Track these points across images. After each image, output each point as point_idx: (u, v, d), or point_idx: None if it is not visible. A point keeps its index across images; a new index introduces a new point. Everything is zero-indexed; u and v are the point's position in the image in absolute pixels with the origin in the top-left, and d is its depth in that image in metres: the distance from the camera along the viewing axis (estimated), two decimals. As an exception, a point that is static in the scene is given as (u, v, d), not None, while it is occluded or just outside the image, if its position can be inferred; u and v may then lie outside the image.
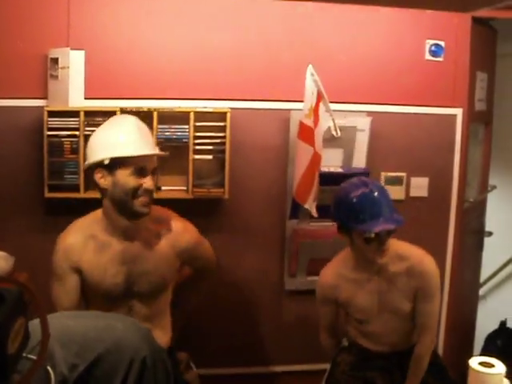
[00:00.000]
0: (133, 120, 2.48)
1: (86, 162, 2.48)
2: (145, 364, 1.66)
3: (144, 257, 2.53)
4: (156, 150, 2.50)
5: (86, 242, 2.50)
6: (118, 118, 2.54)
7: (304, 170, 3.11)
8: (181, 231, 2.63)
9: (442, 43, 3.61)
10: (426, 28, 3.60)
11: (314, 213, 3.09)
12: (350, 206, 2.55)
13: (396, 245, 2.69)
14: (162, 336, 2.60)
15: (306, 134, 3.10)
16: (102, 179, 2.41)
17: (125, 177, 2.38)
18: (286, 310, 3.63)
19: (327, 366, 3.02)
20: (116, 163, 2.37)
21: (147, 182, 2.40)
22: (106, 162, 2.36)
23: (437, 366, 2.87)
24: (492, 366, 2.23)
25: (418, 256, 2.74)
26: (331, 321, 2.93)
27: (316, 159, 3.08)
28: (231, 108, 3.33)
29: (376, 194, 2.55)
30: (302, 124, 3.14)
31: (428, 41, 3.60)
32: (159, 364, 1.76)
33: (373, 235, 2.53)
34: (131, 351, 1.67)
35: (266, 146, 3.46)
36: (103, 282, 2.49)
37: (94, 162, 2.40)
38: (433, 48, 3.60)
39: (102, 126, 2.51)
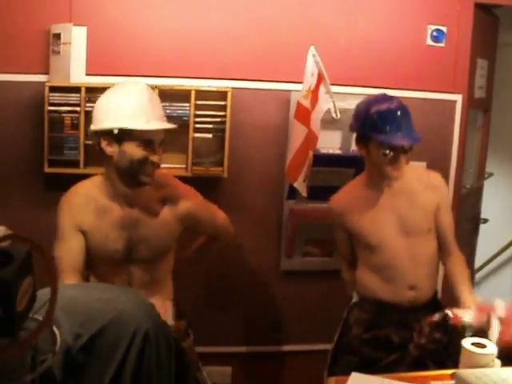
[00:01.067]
0: (144, 88, 2.44)
1: (93, 127, 2.43)
2: (147, 337, 1.66)
3: (144, 222, 2.52)
4: (165, 122, 2.48)
5: (88, 204, 2.50)
6: (130, 85, 2.48)
7: (296, 149, 3.11)
8: (182, 196, 2.61)
9: (444, 29, 3.62)
10: (427, 13, 3.60)
11: (304, 192, 3.10)
12: (372, 116, 2.61)
13: (411, 167, 2.83)
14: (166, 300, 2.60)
15: (303, 114, 3.11)
16: (109, 147, 2.39)
17: (132, 148, 2.36)
18: (281, 290, 3.65)
19: (325, 347, 3.03)
20: (124, 134, 2.34)
21: (153, 155, 2.38)
22: (115, 131, 2.33)
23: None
24: (484, 346, 2.26)
25: (432, 171, 2.92)
26: (348, 247, 2.91)
27: (311, 140, 3.09)
28: (232, 88, 3.34)
29: (399, 111, 2.62)
30: (299, 104, 3.15)
31: (430, 26, 3.60)
32: (162, 338, 1.77)
33: (388, 151, 2.58)
34: (134, 324, 1.68)
35: (266, 126, 3.48)
36: (104, 247, 2.50)
37: (102, 129, 2.37)
38: (434, 33, 3.61)
39: (111, 89, 2.47)
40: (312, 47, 3.10)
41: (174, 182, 2.66)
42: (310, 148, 3.19)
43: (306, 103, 3.10)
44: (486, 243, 4.58)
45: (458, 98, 3.68)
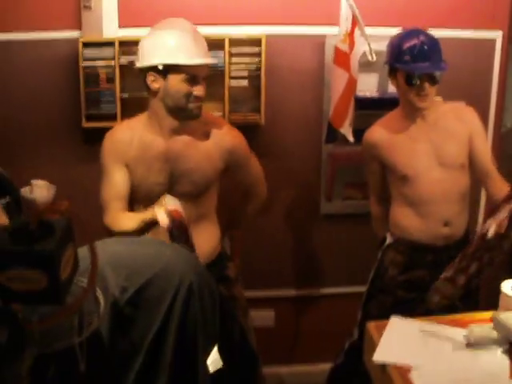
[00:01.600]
0: (187, 24, 2.54)
1: (139, 64, 2.53)
2: (191, 288, 1.69)
3: (187, 155, 2.61)
4: (209, 57, 2.56)
5: (131, 139, 2.61)
6: (173, 22, 2.56)
7: (340, 94, 3.09)
8: (226, 131, 2.71)
9: (483, -38, 3.49)
10: None
11: (351, 137, 3.09)
12: (401, 49, 2.76)
13: (444, 102, 2.96)
14: (207, 242, 2.70)
15: (342, 59, 3.07)
16: (154, 82, 2.48)
17: (177, 83, 2.46)
18: (322, 234, 3.67)
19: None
20: (169, 69, 2.44)
21: (198, 90, 2.48)
22: (160, 67, 2.43)
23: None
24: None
25: (464, 105, 3.03)
26: (379, 182, 3.02)
27: (352, 84, 3.06)
28: (266, 34, 3.30)
29: (426, 45, 2.73)
30: (337, 49, 3.11)
31: (468, -41, 3.48)
32: (205, 289, 1.80)
33: (413, 80, 2.71)
34: (178, 276, 1.70)
35: (302, 71, 3.43)
36: (147, 180, 2.59)
37: (147, 65, 2.47)
38: (472, -33, 3.49)
39: (155, 26, 2.56)
40: (347, -7, 3.04)
41: (222, 121, 2.78)
42: (352, 92, 3.16)
43: (345, 47, 3.06)
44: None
45: (497, 34, 3.56)
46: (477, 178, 2.97)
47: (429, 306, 2.66)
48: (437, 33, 3.43)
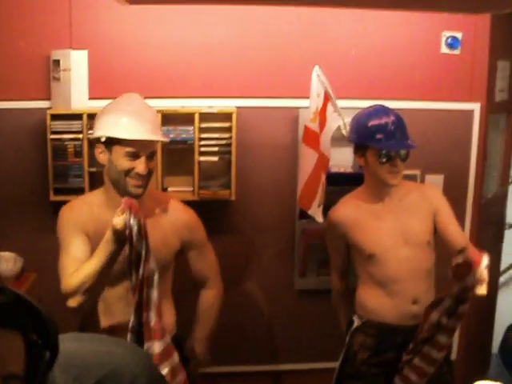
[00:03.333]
0: (138, 101, 2.50)
1: (90, 136, 2.58)
2: None
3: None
4: (155, 135, 2.47)
5: (91, 214, 2.52)
6: (125, 97, 2.53)
7: (308, 175, 3.04)
8: (182, 210, 2.66)
9: (459, 35, 3.47)
10: (441, 19, 3.45)
11: (320, 218, 3.03)
12: (368, 129, 2.70)
13: (408, 182, 2.90)
14: (166, 319, 2.56)
15: (311, 138, 3.03)
16: (101, 154, 2.46)
17: (119, 157, 2.41)
18: (296, 309, 3.59)
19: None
20: (112, 142, 2.41)
21: (139, 166, 2.40)
22: (103, 139, 2.41)
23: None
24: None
25: (427, 183, 3.13)
26: (342, 259, 2.95)
27: (321, 163, 3.01)
28: (237, 107, 3.27)
29: (395, 124, 2.69)
30: (306, 128, 3.07)
31: (444, 33, 3.46)
32: None
33: (385, 158, 2.66)
34: (129, 378, 1.67)
35: (275, 145, 3.39)
36: None
37: (94, 137, 2.47)
38: (449, 40, 3.46)
39: (111, 102, 2.54)
40: (316, 67, 3.00)
41: (176, 199, 2.71)
42: (323, 171, 3.11)
43: (314, 126, 3.02)
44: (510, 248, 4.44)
45: (475, 106, 3.54)
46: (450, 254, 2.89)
47: None
48: (414, 104, 3.45)
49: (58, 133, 3.14)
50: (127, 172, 2.40)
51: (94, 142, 2.50)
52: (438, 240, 2.86)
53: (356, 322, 2.91)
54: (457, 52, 3.49)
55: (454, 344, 3.82)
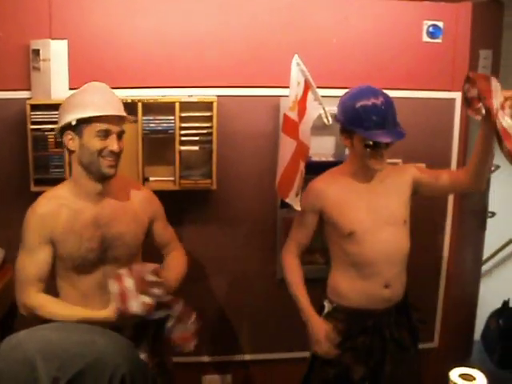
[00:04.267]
0: (100, 84, 2.56)
1: (56, 126, 2.54)
2: (124, 381, 1.67)
3: (117, 218, 2.58)
4: (122, 112, 2.53)
5: (59, 211, 2.52)
6: (86, 85, 2.58)
7: (286, 163, 3.03)
8: (140, 187, 2.79)
9: (441, 24, 3.47)
10: (423, 8, 3.45)
11: (297, 207, 3.02)
12: (356, 112, 2.64)
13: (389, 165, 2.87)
14: None
15: (290, 127, 3.02)
16: (71, 141, 2.48)
17: (90, 138, 2.44)
18: (278, 298, 3.56)
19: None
20: (82, 125, 2.44)
21: (112, 144, 2.46)
22: (73, 122, 2.43)
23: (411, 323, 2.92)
24: (473, 378, 2.20)
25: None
26: (307, 234, 2.91)
27: (300, 152, 3.00)
28: (218, 96, 3.26)
29: (384, 106, 2.63)
30: (285, 117, 3.05)
31: (425, 22, 3.45)
32: (139, 380, 1.79)
33: (371, 146, 2.64)
34: (112, 367, 1.71)
35: (256, 134, 3.39)
36: (79, 249, 2.51)
37: (63, 124, 2.47)
38: (430, 29, 3.46)
39: (73, 92, 2.57)
40: (296, 56, 2.99)
41: (139, 182, 2.88)
42: (302, 159, 3.11)
43: (293, 115, 3.01)
44: (494, 236, 4.46)
45: (456, 95, 3.54)
46: (451, 188, 3.00)
47: None
48: (396, 93, 3.44)
49: (38, 123, 3.13)
50: (100, 152, 2.45)
51: (62, 133, 2.51)
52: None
53: (327, 307, 2.92)
54: (438, 41, 3.49)
55: (437, 331, 3.85)
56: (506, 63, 4.18)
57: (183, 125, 3.19)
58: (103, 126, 2.44)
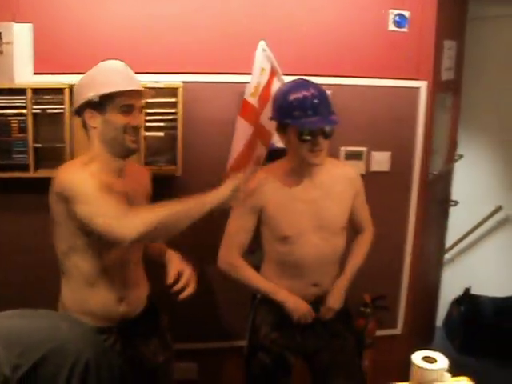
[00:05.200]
0: (117, 62, 2.53)
1: (75, 105, 2.49)
2: (88, 366, 1.65)
3: (139, 193, 2.61)
4: (141, 88, 2.53)
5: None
6: (102, 63, 2.54)
7: (241, 149, 3.04)
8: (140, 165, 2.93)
9: (407, 13, 3.48)
10: (389, -3, 3.48)
11: None
12: (288, 104, 2.60)
13: (329, 159, 2.79)
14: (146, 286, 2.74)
15: (249, 112, 3.03)
16: (92, 118, 2.45)
17: (114, 114, 2.42)
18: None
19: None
20: (105, 101, 2.41)
21: (135, 119, 2.46)
22: (96, 99, 2.40)
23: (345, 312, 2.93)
24: (434, 360, 2.24)
25: (347, 164, 3.08)
26: (247, 238, 2.83)
27: (263, 136, 3.04)
28: (184, 82, 3.24)
29: (315, 97, 2.60)
30: (245, 102, 3.06)
31: (391, 11, 3.47)
32: (103, 366, 1.78)
33: (306, 136, 2.58)
34: (75, 353, 1.69)
35: (222, 121, 3.35)
36: None
37: (84, 101, 2.43)
38: (396, 18, 3.48)
39: (88, 71, 2.52)
40: (262, 42, 3.00)
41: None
42: (264, 145, 3.13)
43: (253, 101, 3.02)
44: (457, 224, 4.54)
45: (421, 84, 3.58)
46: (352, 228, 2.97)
47: None
48: (363, 81, 3.48)
49: (0, 108, 3.07)
50: (124, 127, 2.43)
51: (80, 110, 2.47)
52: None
53: (259, 295, 2.91)
54: (404, 30, 3.51)
55: (400, 318, 3.90)
56: (470, 55, 4.26)
57: (148, 111, 3.15)
58: (127, 101, 2.43)
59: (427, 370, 2.22)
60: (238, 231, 2.83)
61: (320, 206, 2.74)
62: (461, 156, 4.42)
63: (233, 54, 3.33)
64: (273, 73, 3.06)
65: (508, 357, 4.21)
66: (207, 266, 3.33)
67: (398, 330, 3.92)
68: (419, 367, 2.23)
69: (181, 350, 3.39)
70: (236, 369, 3.63)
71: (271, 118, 2.76)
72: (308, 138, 2.59)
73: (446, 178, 4.30)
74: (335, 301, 2.84)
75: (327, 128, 2.61)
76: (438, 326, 4.73)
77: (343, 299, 2.87)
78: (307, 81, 2.71)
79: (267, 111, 3.00)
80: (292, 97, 2.60)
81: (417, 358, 2.26)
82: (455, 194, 4.44)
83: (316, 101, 2.58)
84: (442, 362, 2.24)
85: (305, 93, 2.59)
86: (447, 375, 2.23)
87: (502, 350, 4.27)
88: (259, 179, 2.71)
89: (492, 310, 4.45)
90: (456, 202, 4.38)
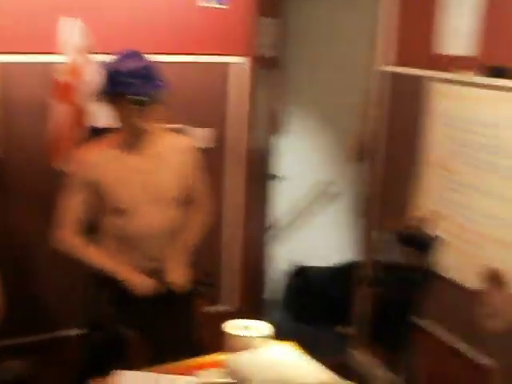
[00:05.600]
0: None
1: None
2: None
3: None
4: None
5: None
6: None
7: (59, 128, 2.96)
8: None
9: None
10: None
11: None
12: (115, 75, 2.63)
13: (166, 132, 2.85)
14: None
15: (62, 91, 2.95)
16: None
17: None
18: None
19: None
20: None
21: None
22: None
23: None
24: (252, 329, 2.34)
25: (184, 136, 3.11)
26: (82, 214, 2.76)
27: (78, 116, 2.95)
28: (2, 63, 3.13)
29: (142, 66, 2.66)
30: (55, 82, 2.97)
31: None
32: None
33: (138, 102, 2.60)
34: None
35: (40, 102, 3.22)
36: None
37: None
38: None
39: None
40: (65, 20, 2.91)
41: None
42: (83, 123, 3.05)
43: (68, 79, 2.94)
44: (284, 199, 4.63)
45: (239, 60, 3.67)
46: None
47: None
48: (177, 58, 3.47)
49: None
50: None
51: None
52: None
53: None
54: (224, 6, 3.56)
55: (236, 296, 3.97)
56: (292, 32, 4.36)
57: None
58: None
59: (238, 336, 2.28)
60: (72, 209, 2.75)
61: (156, 177, 2.74)
62: (287, 132, 4.51)
63: (36, 33, 3.21)
64: (82, 51, 2.99)
65: (335, 320, 4.42)
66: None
67: (229, 306, 4.01)
68: (232, 335, 2.28)
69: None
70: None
71: (101, 94, 2.71)
72: (138, 101, 2.60)
73: (268, 152, 4.36)
74: (176, 276, 2.81)
75: (154, 92, 2.63)
76: (277, 300, 4.81)
77: (185, 274, 2.85)
78: (137, 52, 2.72)
79: (83, 90, 2.94)
80: (123, 67, 2.62)
81: (229, 326, 2.32)
82: (285, 170, 4.50)
83: (145, 71, 2.64)
84: (258, 329, 2.33)
85: (135, 63, 2.64)
86: (269, 341, 2.32)
87: (330, 315, 4.48)
88: (91, 154, 2.72)
89: (320, 279, 4.65)
90: (283, 178, 4.46)
